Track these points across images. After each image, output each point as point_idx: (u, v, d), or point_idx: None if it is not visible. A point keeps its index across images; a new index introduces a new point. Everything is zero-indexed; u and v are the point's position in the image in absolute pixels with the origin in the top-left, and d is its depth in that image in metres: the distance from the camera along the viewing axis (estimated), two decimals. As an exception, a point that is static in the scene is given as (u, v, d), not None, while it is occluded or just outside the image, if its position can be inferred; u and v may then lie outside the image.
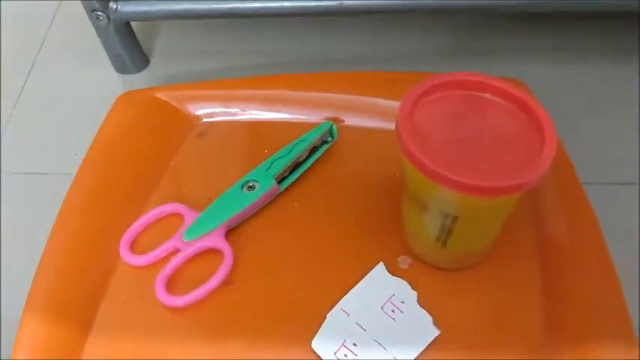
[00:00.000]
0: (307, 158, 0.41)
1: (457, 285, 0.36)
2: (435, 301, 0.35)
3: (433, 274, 0.36)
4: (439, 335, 0.33)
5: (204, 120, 0.46)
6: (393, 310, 0.34)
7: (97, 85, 0.53)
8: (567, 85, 0.50)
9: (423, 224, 0.34)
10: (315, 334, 0.33)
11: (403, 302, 0.34)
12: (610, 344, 0.32)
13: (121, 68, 0.54)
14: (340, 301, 0.34)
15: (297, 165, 0.40)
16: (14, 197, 0.46)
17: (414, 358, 0.32)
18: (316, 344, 0.33)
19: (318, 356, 0.33)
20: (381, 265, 0.36)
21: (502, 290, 0.36)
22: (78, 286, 0.36)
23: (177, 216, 0.39)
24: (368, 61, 0.54)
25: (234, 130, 0.45)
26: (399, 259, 0.37)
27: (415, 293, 0.35)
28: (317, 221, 0.39)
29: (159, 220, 0.40)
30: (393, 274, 0.36)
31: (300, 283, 0.36)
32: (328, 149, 0.42)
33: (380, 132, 0.44)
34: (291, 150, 0.40)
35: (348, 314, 0.34)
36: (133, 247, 0.38)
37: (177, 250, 0.37)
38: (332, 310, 0.34)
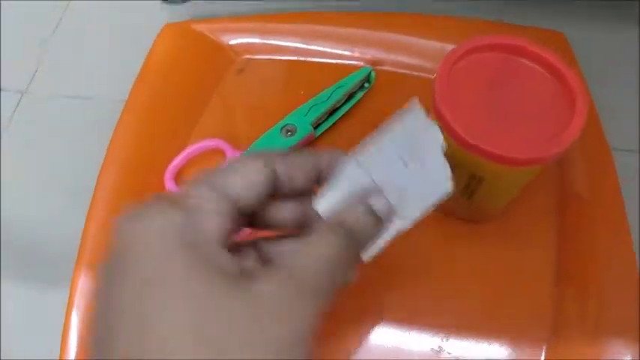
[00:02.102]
0: (343, 104, 0.43)
1: (475, 236, 0.38)
2: (452, 251, 0.38)
3: (454, 223, 0.38)
4: (453, 283, 0.36)
5: (245, 56, 0.47)
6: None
7: (142, 14, 0.54)
8: (612, 45, 0.49)
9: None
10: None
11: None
12: (617, 296, 0.35)
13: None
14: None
15: (333, 111, 0.42)
16: (56, 120, 0.48)
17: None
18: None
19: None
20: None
21: (518, 243, 0.38)
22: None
23: (220, 152, 0.41)
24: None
25: (272, 68, 0.46)
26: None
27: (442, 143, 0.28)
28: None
29: (202, 154, 0.42)
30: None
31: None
32: (365, 94, 0.44)
33: (417, 79, 0.45)
34: (330, 96, 0.41)
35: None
36: (178, 179, 0.41)
37: (219, 188, 0.40)
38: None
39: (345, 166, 0.28)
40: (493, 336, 0.35)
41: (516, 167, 0.31)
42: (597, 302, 0.34)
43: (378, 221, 0.26)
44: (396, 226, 0.28)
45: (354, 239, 0.25)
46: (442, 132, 0.28)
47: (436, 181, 0.28)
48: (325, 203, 0.27)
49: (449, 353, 0.34)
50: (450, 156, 0.28)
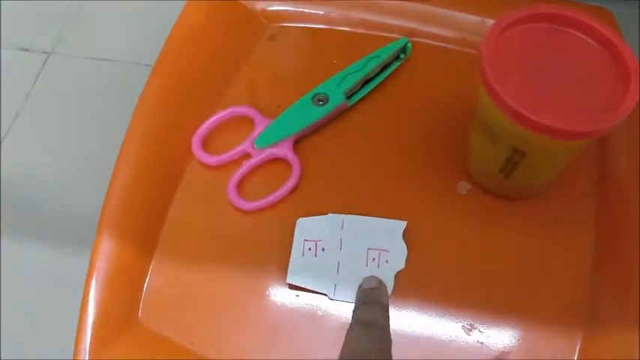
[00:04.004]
0: (378, 74, 0.41)
1: (512, 214, 0.37)
2: (488, 229, 0.36)
3: (490, 201, 0.37)
4: (486, 263, 0.35)
5: (277, 24, 0.45)
6: (374, 259, 0.35)
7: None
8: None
9: (490, 154, 0.34)
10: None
11: (387, 262, 0.35)
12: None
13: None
14: (347, 215, 0.36)
15: (367, 81, 0.41)
16: (83, 82, 0.48)
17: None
18: (301, 222, 0.36)
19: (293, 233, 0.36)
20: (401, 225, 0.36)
21: (555, 225, 0.37)
22: (154, 180, 0.38)
23: (248, 119, 0.40)
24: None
25: (305, 36, 0.45)
26: (459, 184, 0.38)
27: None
28: (383, 138, 0.40)
29: (230, 120, 0.41)
30: (450, 199, 0.37)
31: (362, 194, 0.38)
32: (400, 66, 0.42)
33: (454, 52, 0.43)
34: (364, 66, 0.40)
35: (343, 227, 0.36)
36: (205, 145, 0.40)
37: (248, 155, 0.39)
38: (334, 214, 0.36)
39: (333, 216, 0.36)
40: (525, 321, 0.34)
41: (563, 141, 0.29)
42: (637, 292, 0.33)
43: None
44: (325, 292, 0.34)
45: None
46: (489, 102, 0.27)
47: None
48: (305, 221, 0.36)
49: (480, 332, 0.33)
50: (493, 128, 0.28)
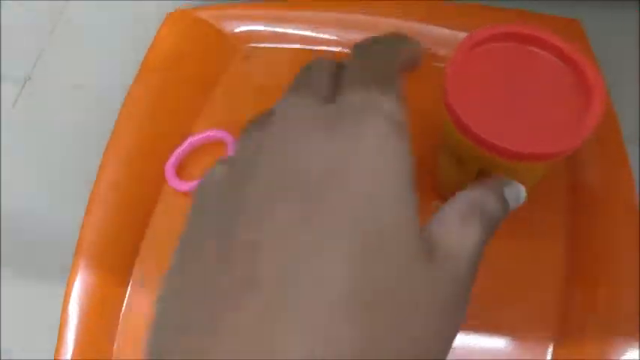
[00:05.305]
0: (350, 94, 0.41)
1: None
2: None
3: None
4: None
5: (250, 44, 0.45)
6: None
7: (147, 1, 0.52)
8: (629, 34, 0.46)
9: (458, 175, 0.34)
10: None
11: None
12: (628, 297, 0.33)
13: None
14: None
15: (339, 100, 0.40)
16: (59, 108, 0.47)
17: None
18: None
19: None
20: None
21: (527, 237, 0.37)
22: (129, 210, 0.39)
23: (222, 143, 0.40)
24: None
25: (278, 56, 0.45)
26: (432, 204, 0.38)
27: None
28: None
29: (205, 145, 0.41)
30: (423, 219, 0.37)
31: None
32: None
33: (428, 67, 0.43)
34: (335, 86, 0.40)
35: None
36: (180, 171, 0.40)
37: (220, 181, 0.38)
38: None
39: None
40: (497, 331, 0.34)
41: (529, 163, 0.29)
42: (607, 302, 0.33)
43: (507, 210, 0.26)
44: None
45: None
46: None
47: None
48: None
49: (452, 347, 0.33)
50: (458, 150, 0.27)
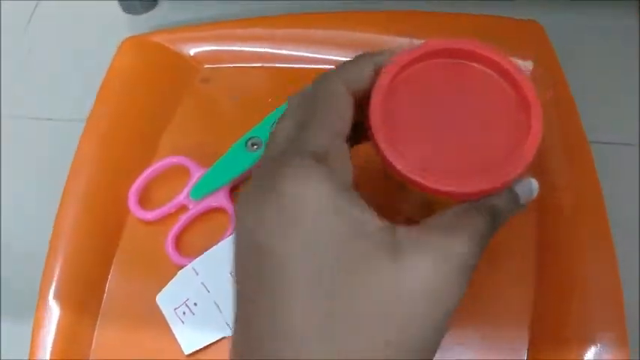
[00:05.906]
0: (312, 110, 0.40)
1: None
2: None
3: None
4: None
5: (208, 65, 0.45)
6: None
7: (101, 25, 0.51)
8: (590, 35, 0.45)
9: (406, 203, 0.31)
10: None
11: None
12: (599, 304, 0.33)
13: (129, 8, 0.51)
14: (194, 261, 0.36)
15: (301, 118, 0.40)
16: (16, 143, 0.46)
17: None
18: (161, 298, 0.35)
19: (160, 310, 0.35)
20: None
21: (496, 249, 0.36)
22: (92, 244, 0.38)
23: (184, 169, 0.39)
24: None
25: (238, 76, 0.44)
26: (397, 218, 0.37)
27: None
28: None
29: (166, 171, 0.40)
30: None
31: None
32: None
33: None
34: (296, 104, 0.39)
35: (197, 274, 0.35)
36: (142, 199, 0.39)
37: (185, 208, 0.38)
38: (183, 269, 0.36)
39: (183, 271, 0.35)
40: (470, 339, 0.34)
41: (466, 200, 0.25)
42: (578, 309, 0.33)
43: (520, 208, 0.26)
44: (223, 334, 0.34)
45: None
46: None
47: None
48: (163, 294, 0.35)
49: None
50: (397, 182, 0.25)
